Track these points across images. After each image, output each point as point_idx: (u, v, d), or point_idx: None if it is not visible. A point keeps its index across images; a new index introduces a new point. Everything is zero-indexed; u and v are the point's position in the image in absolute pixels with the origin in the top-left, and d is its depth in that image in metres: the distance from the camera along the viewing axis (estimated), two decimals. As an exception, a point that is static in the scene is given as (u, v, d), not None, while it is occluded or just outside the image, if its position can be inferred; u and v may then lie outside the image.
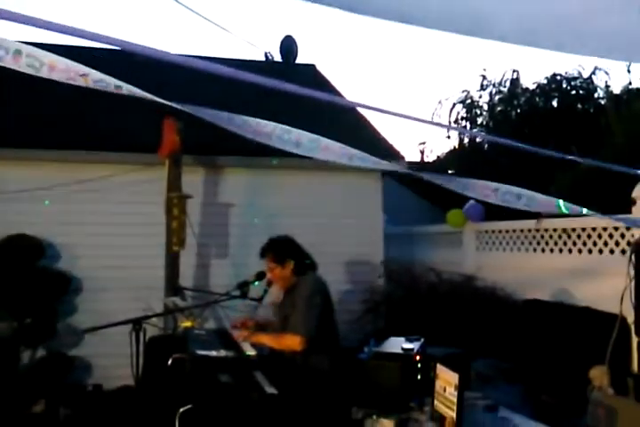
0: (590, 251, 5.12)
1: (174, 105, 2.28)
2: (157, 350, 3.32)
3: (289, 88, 1.70)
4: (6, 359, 5.16)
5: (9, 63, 2.11)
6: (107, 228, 5.88)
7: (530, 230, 5.85)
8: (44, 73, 2.13)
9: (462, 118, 12.97)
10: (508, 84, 12.46)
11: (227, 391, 2.99)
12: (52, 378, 5.28)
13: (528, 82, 12.27)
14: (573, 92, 11.90)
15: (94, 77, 2.13)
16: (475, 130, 12.92)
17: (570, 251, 5.34)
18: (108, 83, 2.13)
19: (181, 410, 2.92)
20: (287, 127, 2.35)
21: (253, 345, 3.42)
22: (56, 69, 2.13)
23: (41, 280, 5.32)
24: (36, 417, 5.15)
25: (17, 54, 2.12)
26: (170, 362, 3.02)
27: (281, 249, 3.71)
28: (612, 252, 4.90)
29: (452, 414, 2.69)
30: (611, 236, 4.92)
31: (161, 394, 3.20)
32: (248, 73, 1.60)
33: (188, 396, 3.01)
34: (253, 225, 6.31)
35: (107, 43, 1.46)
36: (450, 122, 12.93)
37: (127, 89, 2.13)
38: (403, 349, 3.41)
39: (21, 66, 2.11)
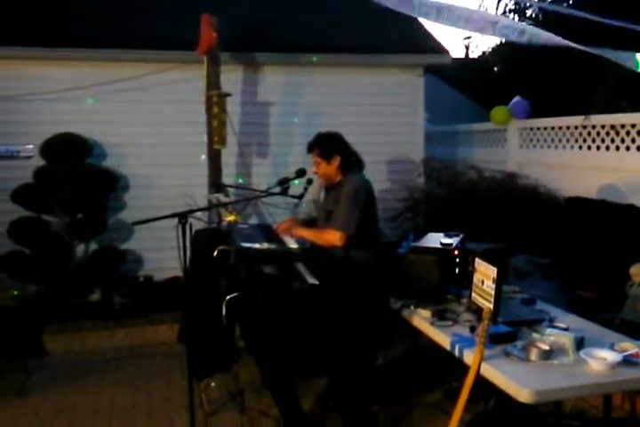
0: (639, 148, 4.98)
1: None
2: (203, 243, 3.43)
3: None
4: (61, 252, 5.43)
5: None
6: (149, 127, 5.94)
7: (576, 127, 5.68)
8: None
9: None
10: (561, -26, 11.64)
11: (270, 281, 3.11)
12: (105, 270, 5.56)
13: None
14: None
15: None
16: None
17: (617, 148, 5.20)
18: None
19: (228, 298, 3.07)
20: None
21: (296, 239, 3.49)
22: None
23: (90, 177, 5.46)
24: (93, 305, 5.50)
25: None
26: (215, 254, 3.12)
27: (328, 144, 3.63)
28: (661, 149, 4.76)
29: (489, 305, 2.76)
30: (662, 133, 4.77)
31: (208, 284, 3.34)
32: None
33: (234, 285, 3.14)
34: (293, 124, 6.29)
35: None
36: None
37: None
38: (441, 243, 3.46)
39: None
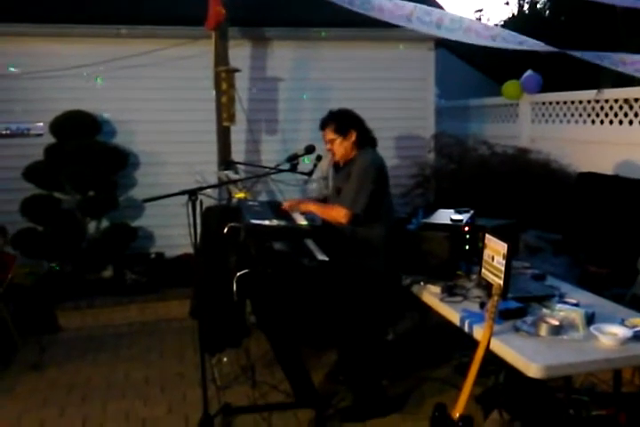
0: (653, 122, 4.92)
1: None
2: (213, 220, 3.43)
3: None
4: (73, 229, 5.47)
5: None
6: (158, 103, 5.91)
7: (589, 101, 5.60)
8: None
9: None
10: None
11: (280, 257, 3.12)
12: (117, 247, 5.60)
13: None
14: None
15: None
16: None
17: (630, 122, 5.13)
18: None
19: (238, 274, 3.08)
20: (427, 8, 2.15)
21: (306, 216, 3.49)
22: None
23: (100, 155, 5.46)
24: (106, 282, 5.56)
25: None
26: (225, 230, 3.13)
27: (344, 119, 3.55)
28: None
29: (499, 281, 2.76)
30: (676, 106, 4.69)
31: (218, 260, 3.35)
32: None
33: (244, 261, 3.15)
34: (302, 100, 6.24)
35: None
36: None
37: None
38: (451, 220, 3.45)
39: None
